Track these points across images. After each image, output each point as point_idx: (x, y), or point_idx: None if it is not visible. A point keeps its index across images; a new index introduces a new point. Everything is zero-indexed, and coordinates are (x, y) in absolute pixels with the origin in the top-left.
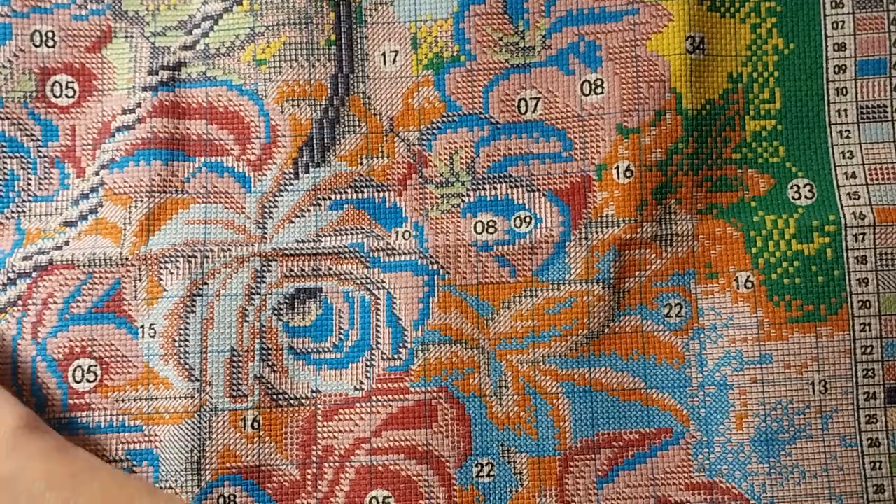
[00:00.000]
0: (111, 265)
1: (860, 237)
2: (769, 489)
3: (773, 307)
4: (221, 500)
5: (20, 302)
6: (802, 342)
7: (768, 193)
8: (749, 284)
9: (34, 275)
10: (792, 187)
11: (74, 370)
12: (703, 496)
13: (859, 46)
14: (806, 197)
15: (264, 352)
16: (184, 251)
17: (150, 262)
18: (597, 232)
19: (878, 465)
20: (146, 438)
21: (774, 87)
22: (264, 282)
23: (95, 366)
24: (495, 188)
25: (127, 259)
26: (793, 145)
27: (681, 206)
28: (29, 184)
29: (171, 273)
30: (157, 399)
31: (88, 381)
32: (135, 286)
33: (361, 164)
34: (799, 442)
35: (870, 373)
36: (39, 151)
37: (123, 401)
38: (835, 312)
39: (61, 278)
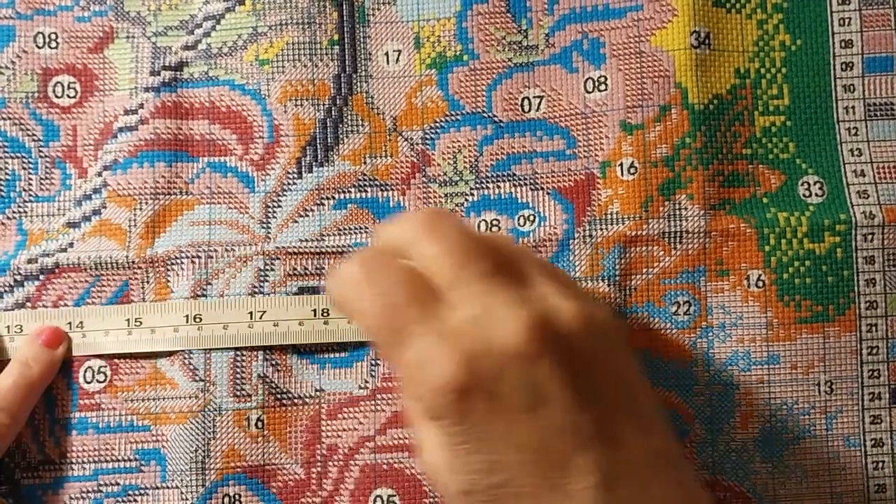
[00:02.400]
0: (118, 268)
1: (869, 237)
2: (770, 488)
3: (783, 307)
4: (226, 500)
5: (28, 304)
6: (810, 343)
7: (779, 190)
8: (760, 283)
9: (42, 277)
10: (802, 184)
11: (85, 371)
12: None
13: (866, 43)
14: (816, 195)
15: (268, 351)
16: (188, 252)
17: (156, 264)
18: (601, 229)
19: (880, 465)
20: (154, 438)
21: (783, 84)
22: (267, 280)
23: (105, 366)
24: (499, 187)
25: (133, 262)
26: (802, 141)
27: (692, 201)
28: (30, 184)
29: (178, 275)
30: (163, 399)
31: (98, 381)
32: (143, 288)
33: (365, 163)
34: (802, 442)
35: (875, 373)
36: (41, 152)
37: (132, 401)
38: (842, 313)
39: (70, 281)
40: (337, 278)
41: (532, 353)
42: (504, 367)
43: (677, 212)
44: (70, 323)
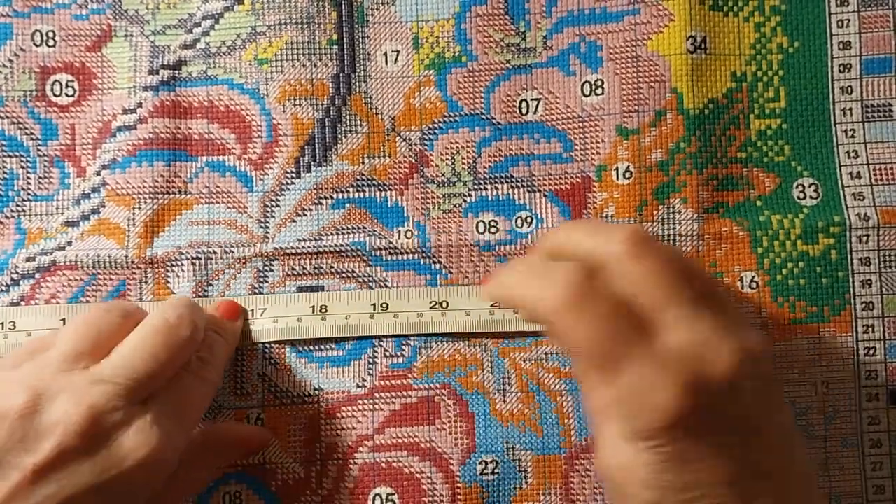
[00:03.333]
0: (116, 267)
1: (864, 239)
2: None
3: (778, 308)
4: (227, 498)
5: (23, 303)
6: (805, 344)
7: (774, 193)
8: (754, 285)
9: (37, 275)
10: (797, 187)
11: None
12: None
13: (864, 45)
14: (811, 197)
15: (267, 350)
16: (188, 253)
17: (156, 264)
18: None
19: (878, 465)
20: None
21: (779, 86)
22: (267, 281)
23: None
24: (497, 188)
25: (133, 262)
26: (798, 144)
27: (686, 204)
28: (29, 183)
29: (178, 276)
30: None
31: None
32: (140, 288)
33: (363, 163)
34: None
35: (872, 374)
36: (39, 150)
37: None
38: (838, 314)
39: (64, 279)
40: (540, 296)
41: (742, 385)
42: (719, 395)
43: (671, 215)
44: (64, 320)
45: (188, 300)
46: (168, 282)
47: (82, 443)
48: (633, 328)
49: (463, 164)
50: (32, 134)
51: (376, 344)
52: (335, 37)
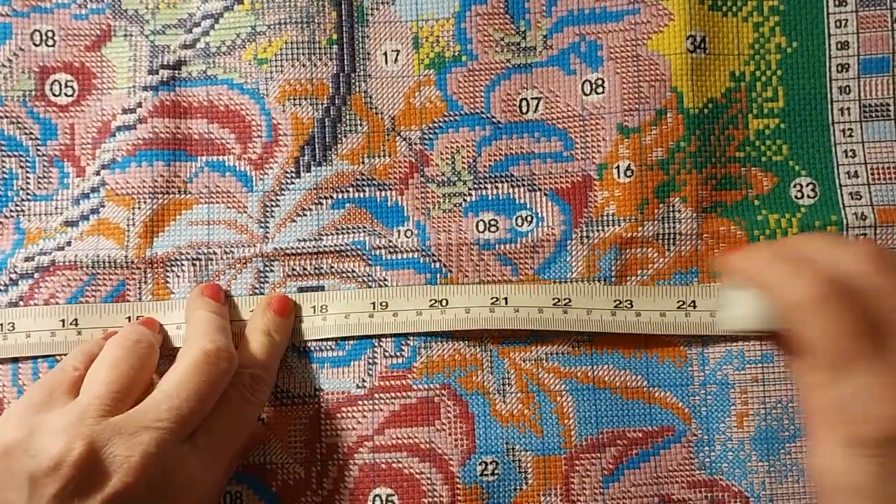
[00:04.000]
0: (115, 267)
1: (861, 238)
2: (768, 487)
3: None
4: (228, 498)
5: (21, 303)
6: None
7: (771, 192)
8: None
9: (36, 275)
10: (795, 186)
11: None
12: (703, 494)
13: (862, 45)
14: (808, 196)
15: None
16: (188, 254)
17: (155, 264)
18: (598, 231)
19: None
20: None
21: (777, 86)
22: (267, 282)
23: None
24: (497, 187)
25: (132, 262)
26: (796, 144)
27: (686, 204)
28: (28, 183)
29: (178, 276)
30: None
31: None
32: (139, 288)
33: (363, 163)
34: (798, 440)
35: None
36: (38, 150)
37: None
38: None
39: (63, 279)
40: (789, 284)
41: None
42: None
43: (671, 214)
44: (63, 321)
45: (216, 315)
46: (168, 282)
47: (135, 489)
48: (874, 337)
49: (463, 163)
50: (31, 134)
51: (376, 344)
52: (335, 36)
